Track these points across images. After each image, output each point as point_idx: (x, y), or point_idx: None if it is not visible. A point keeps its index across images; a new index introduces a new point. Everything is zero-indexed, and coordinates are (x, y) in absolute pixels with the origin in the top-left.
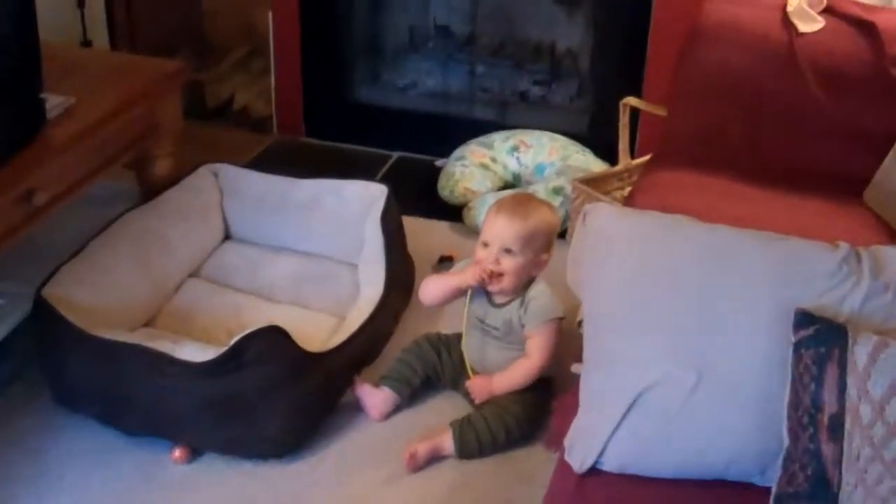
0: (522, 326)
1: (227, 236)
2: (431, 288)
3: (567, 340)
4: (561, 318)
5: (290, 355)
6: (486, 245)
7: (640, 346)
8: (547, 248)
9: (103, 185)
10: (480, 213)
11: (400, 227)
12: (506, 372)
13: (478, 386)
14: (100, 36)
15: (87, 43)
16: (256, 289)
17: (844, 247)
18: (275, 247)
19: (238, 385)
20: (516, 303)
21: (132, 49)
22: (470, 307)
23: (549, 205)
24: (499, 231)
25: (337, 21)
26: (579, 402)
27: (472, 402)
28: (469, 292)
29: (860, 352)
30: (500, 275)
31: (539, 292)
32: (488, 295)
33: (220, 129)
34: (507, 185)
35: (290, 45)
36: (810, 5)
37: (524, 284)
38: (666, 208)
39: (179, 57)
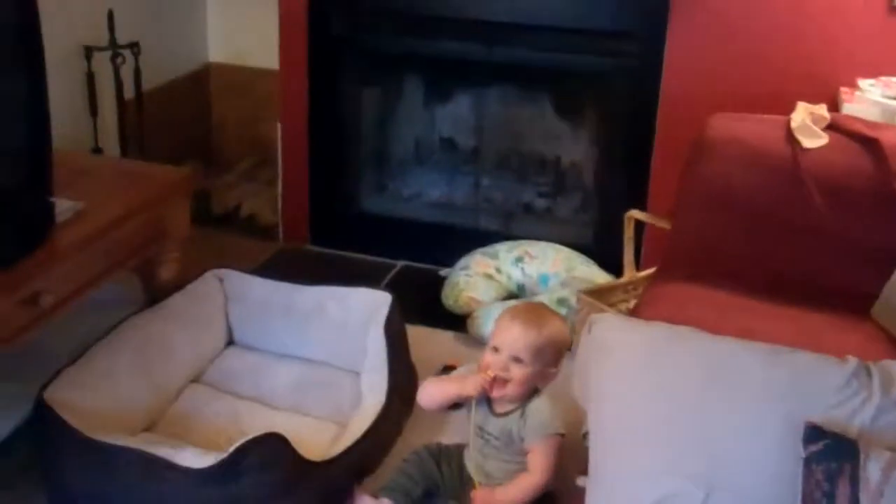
0: (522, 439)
1: (231, 341)
2: (430, 390)
3: (572, 452)
4: (562, 435)
5: (290, 463)
6: (496, 350)
7: (647, 460)
8: (556, 361)
9: (108, 288)
10: (485, 322)
11: (403, 335)
12: (508, 487)
13: (481, 499)
14: (111, 144)
15: (98, 150)
16: (258, 395)
17: (853, 361)
18: (277, 353)
19: (237, 492)
20: (516, 414)
21: (142, 157)
22: (473, 411)
23: (562, 319)
24: (512, 338)
25: (344, 133)
26: None
27: None
28: (473, 401)
29: (873, 468)
30: (506, 382)
31: (540, 406)
32: (490, 403)
33: (227, 235)
34: (511, 296)
35: (298, 155)
36: (814, 121)
37: (528, 394)
38: (671, 320)
39: (188, 165)
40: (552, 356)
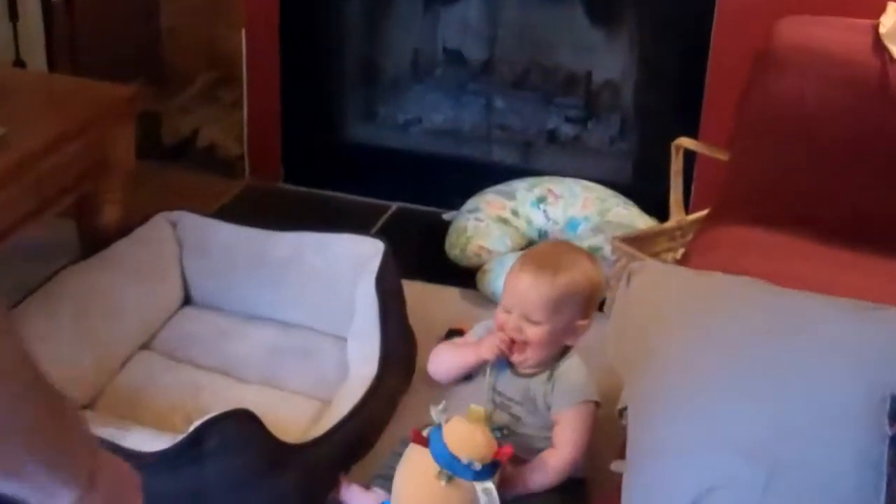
0: (548, 407)
1: (188, 300)
2: (444, 357)
3: (606, 432)
4: (596, 403)
5: (262, 447)
6: (507, 310)
7: (698, 438)
8: (585, 311)
9: (38, 235)
10: (498, 276)
11: (399, 292)
12: (528, 467)
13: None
14: (36, 55)
15: (20, 63)
16: (222, 365)
17: None
18: (245, 314)
19: (196, 482)
20: (543, 376)
21: (74, 72)
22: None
23: (589, 256)
24: (521, 294)
25: (325, 43)
26: None
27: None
28: (489, 367)
29: None
30: (525, 343)
31: (571, 368)
32: (510, 362)
33: (180, 170)
34: (530, 244)
35: (268, 70)
36: None
37: (555, 354)
38: (729, 271)
39: (132, 83)
40: (577, 307)
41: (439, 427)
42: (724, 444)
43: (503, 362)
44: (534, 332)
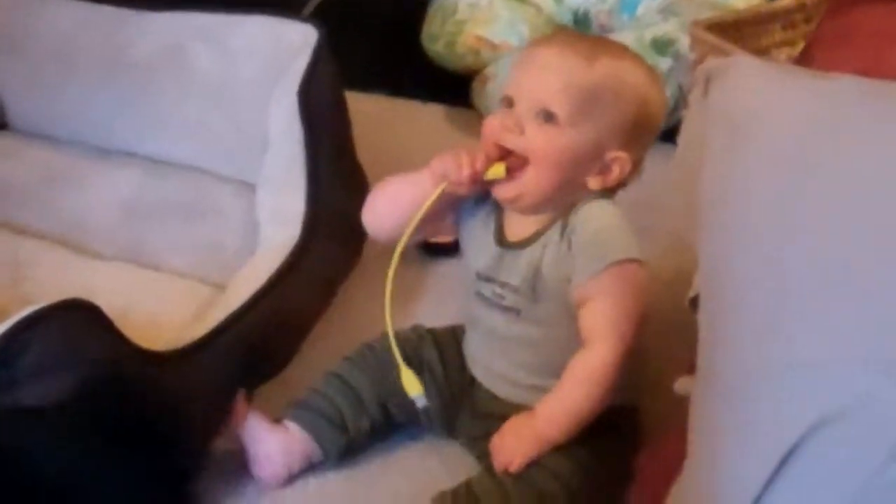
0: (567, 279)
1: (2, 122)
2: (382, 192)
3: (664, 331)
4: (638, 262)
5: (111, 357)
6: (509, 103)
7: (818, 335)
8: (627, 137)
9: None
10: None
11: (341, 111)
12: (555, 393)
13: (509, 438)
14: None
15: None
16: (56, 229)
17: None
18: (93, 147)
19: (7, 422)
20: (551, 232)
21: None
22: (466, 243)
23: (644, 64)
24: (537, 72)
25: None
26: (689, 452)
27: (481, 456)
28: (463, 211)
29: None
30: (523, 161)
31: (596, 211)
32: (499, 222)
33: None
34: None
35: None
36: None
37: (573, 199)
38: (871, 73)
39: None
40: (617, 122)
41: None
42: (859, 346)
43: (481, 212)
44: (543, 137)
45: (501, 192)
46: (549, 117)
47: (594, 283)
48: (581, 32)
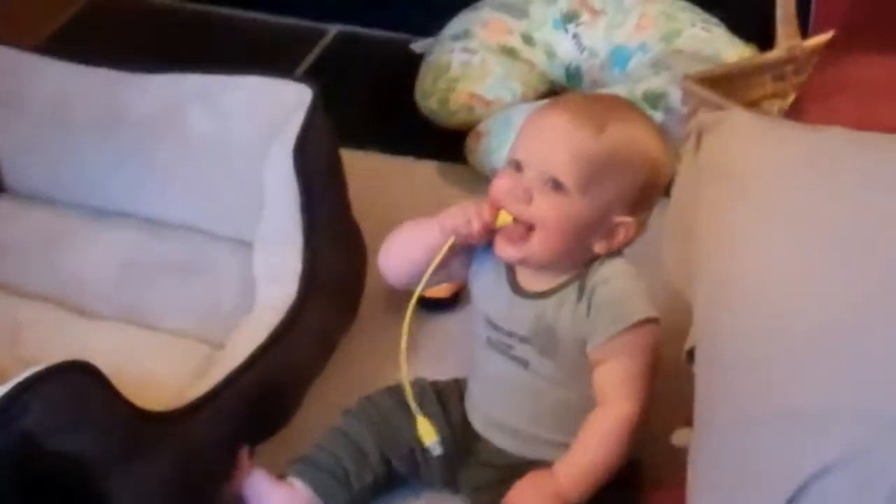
0: (582, 341)
1: None
2: (394, 239)
3: (665, 386)
4: (655, 321)
5: (111, 419)
6: (517, 167)
7: (816, 386)
8: (634, 202)
9: None
10: (501, 142)
11: (336, 169)
12: (575, 450)
13: (530, 495)
14: None
15: None
16: (54, 289)
17: None
18: (91, 207)
19: (9, 480)
20: (568, 291)
21: None
22: (476, 288)
23: (652, 124)
24: (546, 141)
25: None
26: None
27: None
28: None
29: None
30: (528, 228)
31: (614, 271)
32: (512, 276)
33: None
34: (551, 92)
35: None
36: None
37: (579, 261)
38: (864, 126)
39: None
40: (624, 189)
41: None
42: (855, 404)
43: (498, 268)
44: (551, 205)
45: (506, 254)
46: (557, 186)
47: (613, 344)
48: (590, 95)
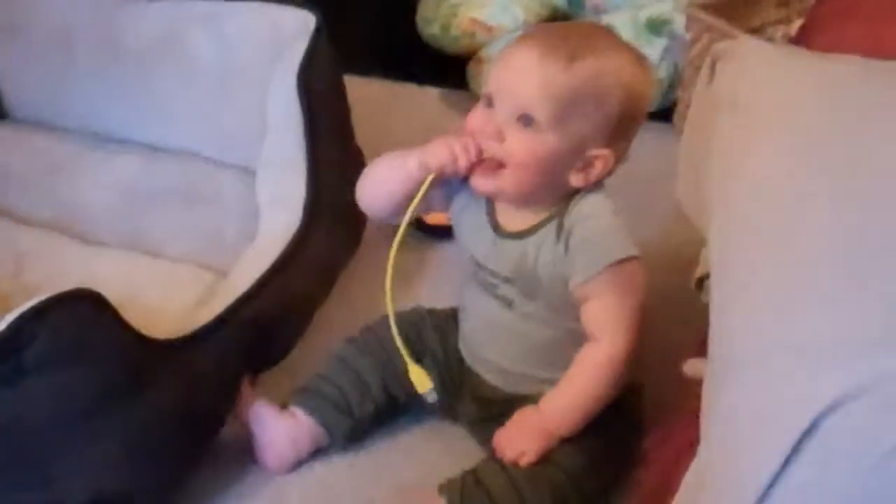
0: (564, 278)
1: (1, 113)
2: (375, 171)
3: (673, 313)
4: (636, 259)
5: (117, 347)
6: (489, 102)
7: (834, 316)
8: (611, 133)
9: None
10: None
11: (339, 95)
12: (561, 388)
13: (516, 433)
14: None
15: None
16: (55, 217)
17: None
18: (91, 133)
19: (16, 407)
20: (547, 230)
21: None
22: (459, 227)
23: (630, 49)
24: (516, 75)
25: None
26: (702, 435)
27: (484, 441)
28: (458, 198)
29: None
30: (499, 164)
31: (592, 210)
32: (492, 213)
33: None
34: (553, 18)
35: None
36: None
37: (556, 195)
38: (874, 53)
39: None
40: (598, 121)
41: None
42: (873, 333)
43: (478, 203)
44: (521, 143)
45: (479, 186)
46: (528, 122)
47: (594, 284)
48: (565, 25)
